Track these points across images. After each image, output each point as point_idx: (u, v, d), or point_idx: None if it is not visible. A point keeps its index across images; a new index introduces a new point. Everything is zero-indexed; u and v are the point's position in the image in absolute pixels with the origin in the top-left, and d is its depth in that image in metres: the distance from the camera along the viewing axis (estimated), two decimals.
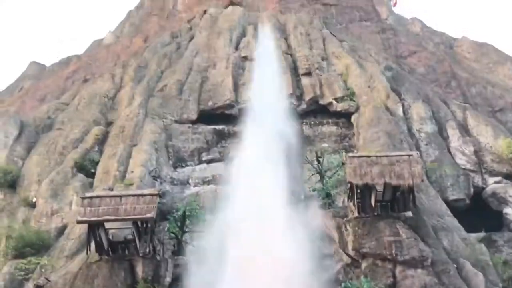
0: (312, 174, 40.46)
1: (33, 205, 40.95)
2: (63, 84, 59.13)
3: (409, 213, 34.14)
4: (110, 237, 32.94)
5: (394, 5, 74.53)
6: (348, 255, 33.61)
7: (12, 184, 43.39)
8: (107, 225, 32.43)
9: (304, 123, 48.02)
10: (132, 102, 48.15)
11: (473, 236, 38.37)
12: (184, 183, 43.12)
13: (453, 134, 46.73)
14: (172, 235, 35.69)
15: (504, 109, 51.70)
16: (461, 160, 45.20)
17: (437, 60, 56.46)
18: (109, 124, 47.57)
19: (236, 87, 49.04)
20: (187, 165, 44.74)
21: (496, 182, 44.58)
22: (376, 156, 34.38)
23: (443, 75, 54.28)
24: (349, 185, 34.54)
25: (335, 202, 38.36)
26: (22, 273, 34.61)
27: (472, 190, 43.86)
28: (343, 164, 35.39)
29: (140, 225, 32.48)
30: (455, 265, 32.81)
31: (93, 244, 32.30)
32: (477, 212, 41.87)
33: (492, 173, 44.87)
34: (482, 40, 62.51)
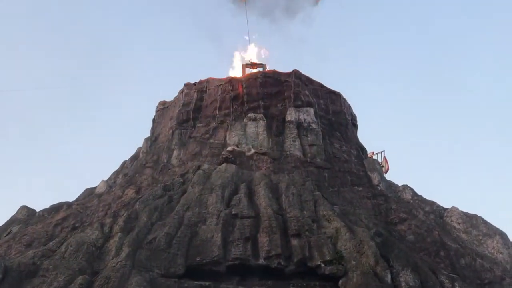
0: None
1: None
2: (51, 231, 58.85)
3: None
4: None
5: (386, 171, 75.92)
6: None
7: None
8: None
9: (291, 284, 47.32)
10: (120, 253, 47.80)
11: None
12: None
13: None
14: None
15: (493, 282, 51.34)
16: None
17: (427, 229, 56.76)
18: (95, 273, 46.87)
19: (225, 244, 48.72)
20: None
21: None
22: None
23: (433, 245, 54.42)
24: None
25: None
26: None
27: None
28: None
29: None
30: None
31: None
32: None
33: None
34: (472, 210, 63.40)
